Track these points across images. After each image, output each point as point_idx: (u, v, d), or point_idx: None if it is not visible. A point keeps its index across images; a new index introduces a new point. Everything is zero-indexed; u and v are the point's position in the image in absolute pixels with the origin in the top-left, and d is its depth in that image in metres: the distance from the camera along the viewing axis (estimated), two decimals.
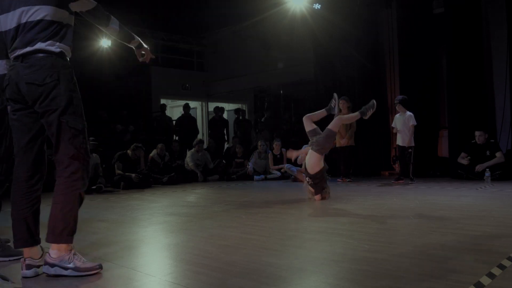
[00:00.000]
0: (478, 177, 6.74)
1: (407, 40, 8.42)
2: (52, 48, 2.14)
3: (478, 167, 6.81)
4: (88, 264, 2.19)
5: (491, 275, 1.94)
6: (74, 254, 2.18)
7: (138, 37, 2.61)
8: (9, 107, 2.25)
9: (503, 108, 7.57)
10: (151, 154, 8.61)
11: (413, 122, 6.71)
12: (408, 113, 6.78)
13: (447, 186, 6.15)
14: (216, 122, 11.41)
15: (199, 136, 11.21)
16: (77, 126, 2.19)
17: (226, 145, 11.53)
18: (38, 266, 2.19)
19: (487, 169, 6.64)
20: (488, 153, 6.88)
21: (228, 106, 14.04)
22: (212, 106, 12.11)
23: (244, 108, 13.41)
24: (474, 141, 7.05)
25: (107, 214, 4.43)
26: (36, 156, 2.25)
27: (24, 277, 2.16)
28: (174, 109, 14.06)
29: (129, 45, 2.61)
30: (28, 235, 2.20)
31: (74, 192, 2.18)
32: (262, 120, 12.63)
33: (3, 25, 2.21)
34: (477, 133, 6.98)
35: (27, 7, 2.11)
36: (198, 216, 4.12)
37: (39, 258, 2.20)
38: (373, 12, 8.99)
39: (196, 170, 8.75)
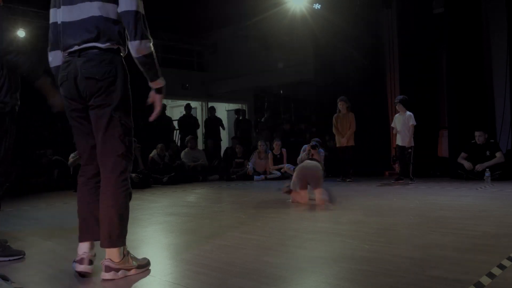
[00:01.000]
0: (478, 177, 6.74)
1: (407, 40, 8.41)
2: (110, 45, 2.12)
3: (478, 167, 6.81)
4: (142, 261, 2.24)
5: (491, 275, 1.94)
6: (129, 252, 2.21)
7: (162, 78, 2.30)
8: (65, 105, 2.22)
9: (503, 108, 7.56)
10: (151, 154, 8.61)
11: (412, 122, 6.70)
12: (408, 113, 6.78)
13: (447, 186, 6.15)
14: (208, 122, 11.41)
15: (199, 136, 11.22)
16: (127, 124, 2.18)
17: (221, 143, 11.51)
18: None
19: (487, 169, 6.64)
20: (488, 153, 6.87)
21: (228, 106, 14.03)
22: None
23: (244, 108, 13.41)
24: (474, 141, 7.04)
25: None
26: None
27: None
28: (174, 109, 14.06)
29: (149, 82, 2.27)
30: (97, 228, 2.17)
31: (126, 192, 2.15)
32: (262, 120, 12.63)
33: (59, 16, 2.17)
34: (477, 133, 6.97)
35: (89, 3, 2.09)
36: (198, 216, 4.13)
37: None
38: (373, 12, 8.98)
39: (194, 163, 8.79)
